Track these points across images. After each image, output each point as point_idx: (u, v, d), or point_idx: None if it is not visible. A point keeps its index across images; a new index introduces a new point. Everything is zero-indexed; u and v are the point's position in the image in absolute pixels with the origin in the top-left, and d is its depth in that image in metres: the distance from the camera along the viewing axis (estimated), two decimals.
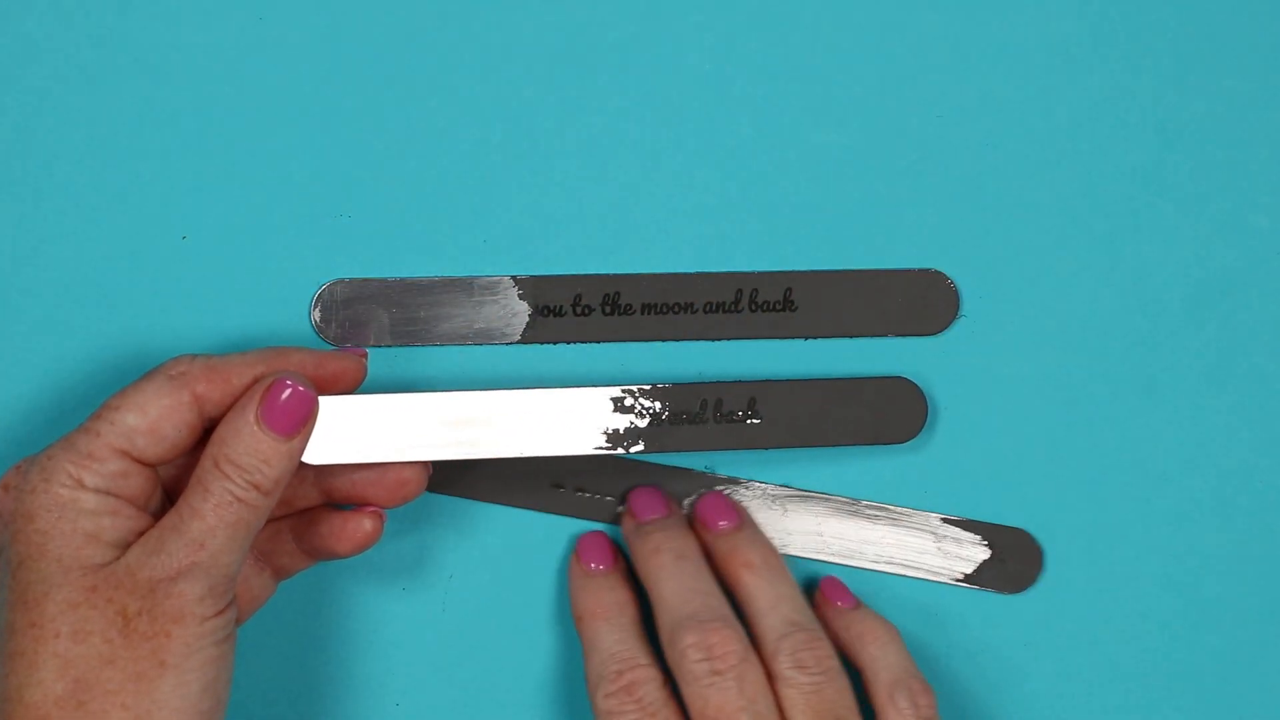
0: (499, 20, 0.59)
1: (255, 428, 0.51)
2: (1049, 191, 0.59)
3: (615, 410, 0.55)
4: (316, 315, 0.58)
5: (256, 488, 0.51)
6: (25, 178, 0.58)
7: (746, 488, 0.59)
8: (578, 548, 0.57)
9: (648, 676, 0.54)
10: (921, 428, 0.57)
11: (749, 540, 0.57)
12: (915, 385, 0.57)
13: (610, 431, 0.55)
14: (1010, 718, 0.59)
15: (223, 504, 0.50)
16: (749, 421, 0.56)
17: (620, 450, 0.55)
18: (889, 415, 0.57)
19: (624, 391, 0.55)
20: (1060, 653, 0.59)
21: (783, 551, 0.59)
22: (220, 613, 0.50)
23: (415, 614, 0.58)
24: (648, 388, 0.56)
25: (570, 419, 0.55)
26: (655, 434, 0.56)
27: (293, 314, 0.58)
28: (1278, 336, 0.59)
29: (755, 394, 0.56)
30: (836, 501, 0.59)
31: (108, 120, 0.58)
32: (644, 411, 0.55)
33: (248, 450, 0.51)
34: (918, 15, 0.59)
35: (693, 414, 0.56)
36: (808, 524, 0.59)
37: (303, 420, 0.52)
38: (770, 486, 0.59)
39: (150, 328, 0.58)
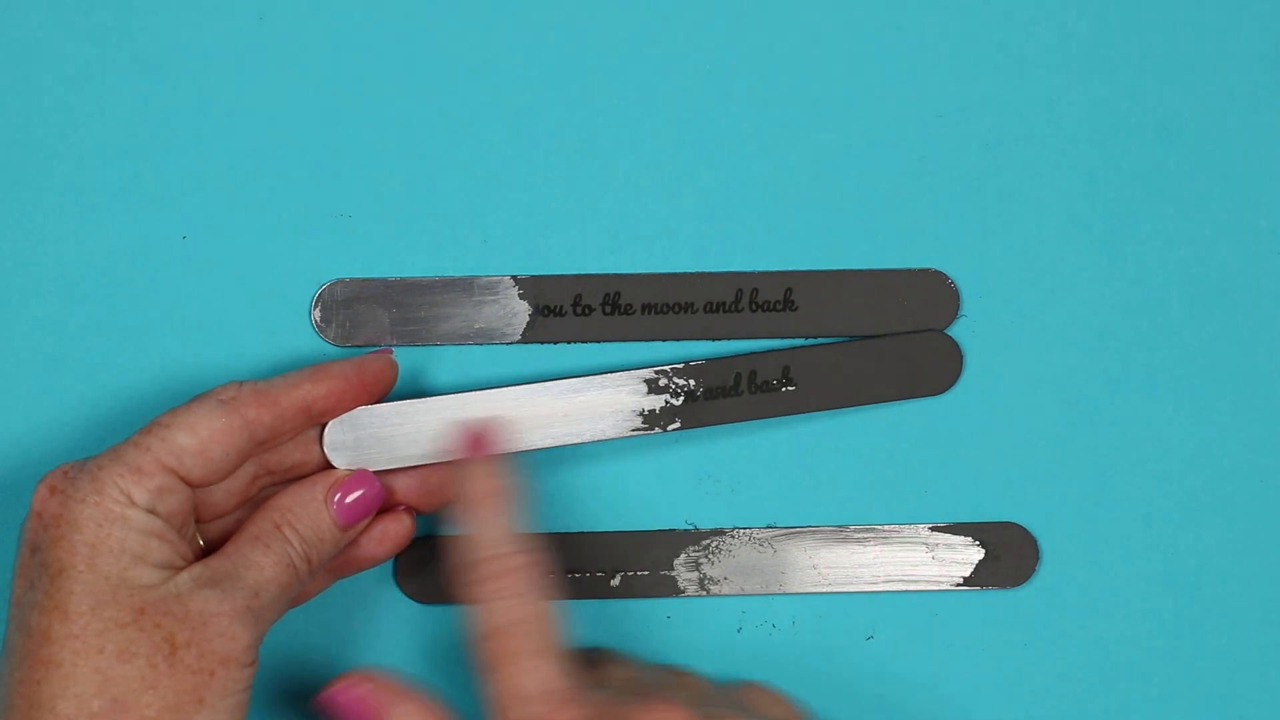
0: (499, 20, 0.59)
1: (321, 506, 0.53)
2: (1049, 191, 0.59)
3: (649, 392, 0.56)
4: (316, 315, 0.58)
5: (308, 560, 0.53)
6: (25, 178, 0.58)
7: (733, 536, 0.59)
8: (461, 434, 0.55)
9: (522, 564, 0.52)
10: (956, 379, 0.58)
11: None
12: (948, 337, 0.58)
13: (646, 413, 0.56)
14: (1010, 717, 0.59)
15: (281, 564, 0.52)
16: (784, 390, 0.56)
17: (657, 430, 0.56)
18: (922, 370, 0.57)
19: (657, 372, 0.56)
20: (1062, 648, 0.59)
21: (780, 590, 0.59)
22: (254, 663, 0.51)
23: (415, 614, 0.58)
24: (680, 366, 0.56)
25: (605, 404, 0.55)
26: (691, 410, 0.56)
27: (293, 314, 0.58)
28: (1278, 336, 0.59)
29: (789, 362, 0.57)
30: (824, 532, 0.59)
31: (108, 120, 0.58)
32: (678, 390, 0.56)
33: (311, 525, 0.53)
34: (918, 15, 0.59)
35: (727, 388, 0.56)
36: (800, 559, 0.59)
37: (366, 516, 0.54)
38: (756, 530, 0.59)
39: (150, 328, 0.58)
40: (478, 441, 0.55)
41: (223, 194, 0.58)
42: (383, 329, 0.58)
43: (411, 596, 0.58)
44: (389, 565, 0.58)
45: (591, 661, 0.56)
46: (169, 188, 0.58)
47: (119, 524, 0.50)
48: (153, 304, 0.58)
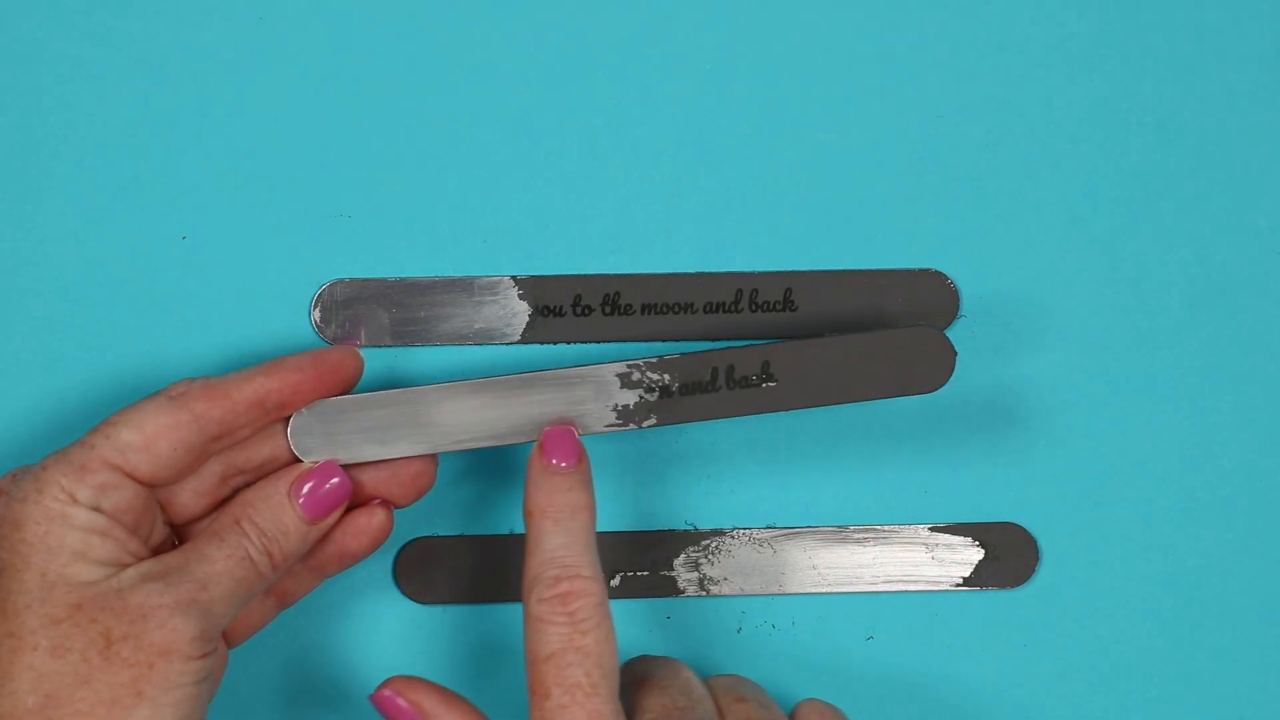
0: (499, 20, 0.59)
1: (285, 499, 0.53)
2: (1049, 191, 0.59)
3: (623, 386, 0.55)
4: (316, 315, 0.58)
5: (269, 555, 0.52)
6: (25, 178, 0.58)
7: (732, 536, 0.59)
8: (543, 440, 0.54)
9: (587, 589, 0.51)
10: (948, 376, 0.55)
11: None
12: (938, 332, 0.55)
13: (620, 408, 0.55)
14: (1010, 717, 0.59)
15: (234, 557, 0.51)
16: (764, 385, 0.55)
17: (632, 426, 0.55)
18: (912, 366, 0.54)
19: (630, 366, 0.54)
20: (1062, 648, 0.59)
21: (780, 590, 0.59)
22: (205, 655, 0.50)
23: (415, 614, 0.58)
24: (654, 360, 0.55)
25: (578, 399, 0.55)
26: (667, 407, 0.55)
27: (293, 314, 0.58)
28: (1278, 336, 0.59)
29: (768, 357, 0.55)
30: (824, 532, 0.59)
31: (108, 120, 0.58)
32: (652, 385, 0.55)
33: (272, 519, 0.52)
34: (918, 15, 0.59)
35: (704, 383, 0.55)
36: (800, 560, 0.59)
37: (332, 509, 0.54)
38: (756, 530, 0.59)
39: (150, 328, 0.58)
40: (561, 444, 0.54)
41: (223, 194, 0.58)
42: (382, 329, 0.58)
43: (411, 597, 0.58)
44: (389, 566, 0.58)
45: (643, 681, 0.53)
46: (169, 188, 0.58)
47: (59, 522, 0.50)
48: (153, 304, 0.58)
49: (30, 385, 0.58)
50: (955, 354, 0.55)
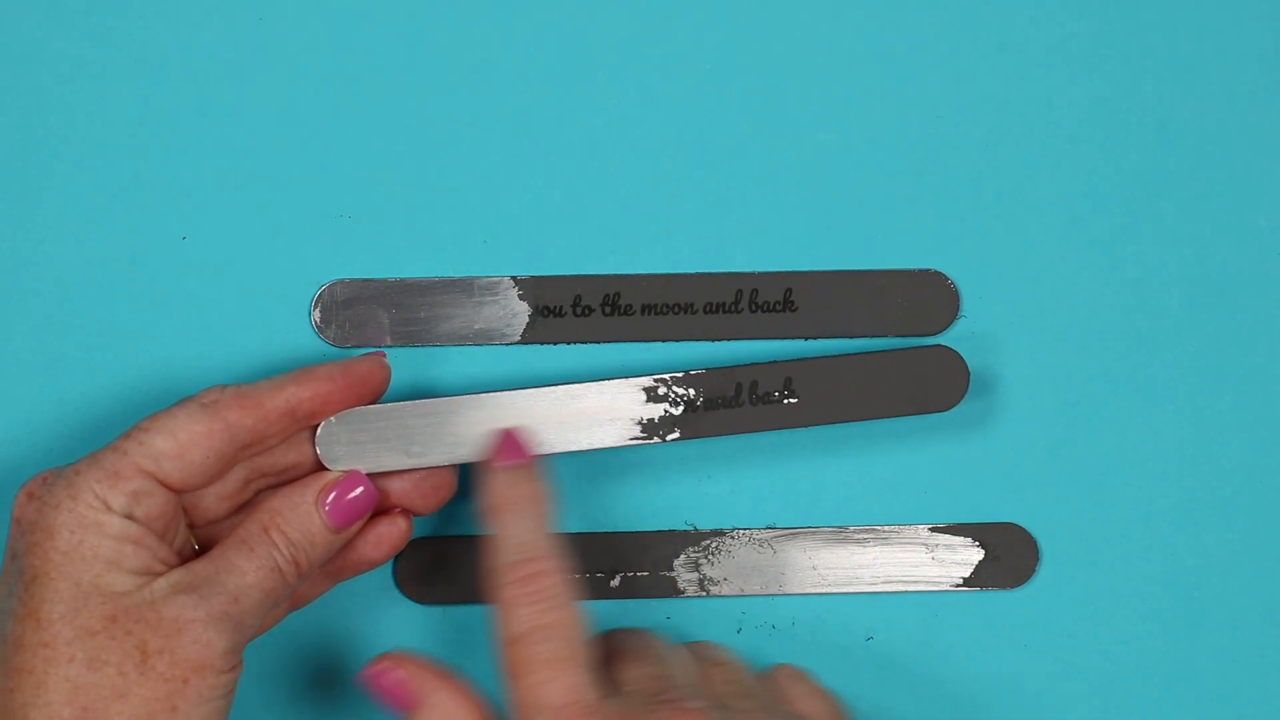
0: (499, 20, 0.59)
1: (312, 508, 0.53)
2: (1049, 191, 0.59)
3: (649, 400, 0.55)
4: (316, 315, 0.58)
5: (296, 564, 0.52)
6: (25, 178, 0.58)
7: (732, 536, 0.59)
8: (495, 444, 0.55)
9: (549, 569, 0.52)
10: (963, 395, 0.56)
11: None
12: (954, 352, 0.56)
13: (644, 421, 0.55)
14: (1010, 717, 0.59)
15: (264, 568, 0.51)
16: (786, 401, 0.56)
17: (655, 439, 0.55)
18: (929, 385, 0.56)
19: (656, 380, 0.55)
20: (1062, 648, 0.59)
21: (780, 591, 0.59)
22: (234, 668, 0.50)
23: (416, 615, 0.58)
24: (680, 375, 0.56)
25: (602, 412, 0.55)
26: (690, 420, 0.56)
27: (293, 314, 0.58)
28: (1278, 336, 0.59)
29: (791, 374, 0.56)
30: (824, 533, 0.59)
31: (108, 120, 0.58)
32: (678, 400, 0.55)
33: (300, 528, 0.52)
34: (918, 15, 0.59)
35: (728, 398, 0.56)
36: (800, 560, 0.59)
37: (358, 518, 0.54)
38: (756, 531, 0.59)
39: (150, 328, 0.58)
40: (508, 445, 0.54)
41: (223, 194, 0.58)
42: (382, 330, 0.58)
43: (412, 598, 0.58)
44: (389, 566, 0.58)
45: (620, 653, 0.55)
46: (169, 188, 0.58)
47: (93, 530, 0.49)
48: (153, 304, 0.58)
49: (30, 385, 0.58)
50: (969, 374, 0.56)
